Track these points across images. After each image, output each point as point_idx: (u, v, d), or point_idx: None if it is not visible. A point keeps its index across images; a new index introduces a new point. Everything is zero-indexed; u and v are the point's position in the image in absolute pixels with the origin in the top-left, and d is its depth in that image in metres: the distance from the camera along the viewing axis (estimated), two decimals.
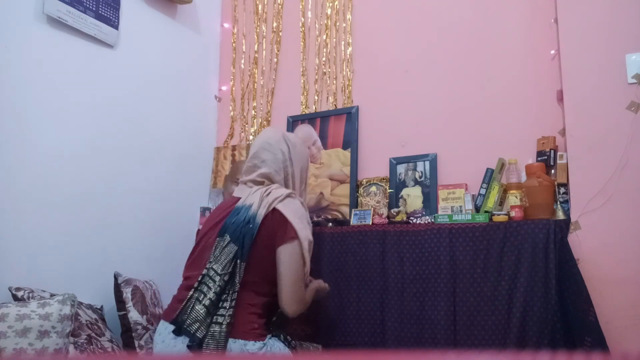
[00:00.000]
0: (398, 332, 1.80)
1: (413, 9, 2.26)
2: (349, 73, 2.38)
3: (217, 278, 1.43)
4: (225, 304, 1.42)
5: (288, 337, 1.55)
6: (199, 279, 1.45)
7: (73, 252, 1.85)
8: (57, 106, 1.84)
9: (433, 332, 1.74)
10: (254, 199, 1.52)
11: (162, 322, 1.52)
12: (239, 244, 1.44)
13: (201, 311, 1.40)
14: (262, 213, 1.48)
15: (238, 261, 1.44)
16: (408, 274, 1.82)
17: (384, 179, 2.17)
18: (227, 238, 1.47)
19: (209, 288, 1.42)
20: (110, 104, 2.06)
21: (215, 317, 1.40)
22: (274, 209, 1.50)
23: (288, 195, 1.55)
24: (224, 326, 1.38)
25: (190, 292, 1.44)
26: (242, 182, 1.68)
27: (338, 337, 1.88)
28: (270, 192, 1.53)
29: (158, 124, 2.28)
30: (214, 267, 1.44)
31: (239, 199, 1.59)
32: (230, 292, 1.43)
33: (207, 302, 1.41)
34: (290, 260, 1.47)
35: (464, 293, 1.73)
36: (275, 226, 1.49)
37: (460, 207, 1.92)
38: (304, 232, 1.50)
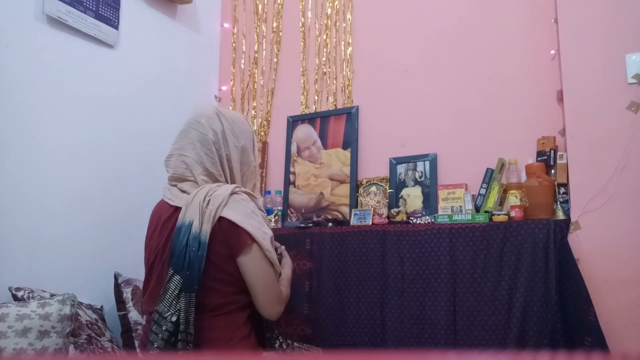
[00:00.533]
0: (398, 332, 1.80)
1: (413, 9, 2.26)
2: (349, 73, 2.38)
3: (163, 322, 1.22)
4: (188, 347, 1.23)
5: (283, 344, 1.47)
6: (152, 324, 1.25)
7: (73, 252, 1.85)
8: (57, 106, 1.84)
9: (433, 332, 1.74)
10: (193, 214, 1.27)
11: None
12: (184, 274, 1.23)
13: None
14: (207, 229, 1.26)
15: (184, 294, 1.23)
16: (408, 274, 1.82)
17: (384, 179, 2.17)
18: (170, 271, 1.26)
19: (156, 335, 1.22)
20: (110, 103, 2.06)
21: None
22: (220, 218, 1.28)
23: (231, 194, 1.32)
24: None
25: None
26: (171, 181, 1.43)
27: (338, 337, 1.88)
28: (209, 200, 1.29)
29: (158, 124, 2.28)
30: (159, 308, 1.23)
31: (172, 207, 1.38)
32: (186, 334, 1.23)
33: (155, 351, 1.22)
34: (256, 268, 1.29)
35: (464, 293, 1.73)
36: (227, 237, 1.28)
37: (460, 207, 1.92)
38: (259, 230, 1.31)
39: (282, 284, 1.42)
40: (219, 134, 1.39)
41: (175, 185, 1.41)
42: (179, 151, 1.40)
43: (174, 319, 1.22)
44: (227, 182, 1.41)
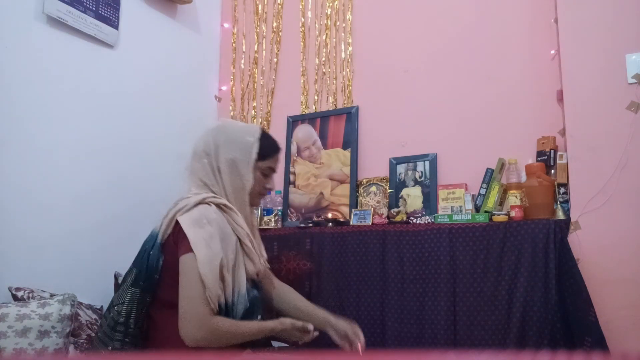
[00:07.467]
0: (398, 332, 1.80)
1: (413, 9, 2.26)
2: (349, 73, 2.38)
3: (111, 311, 1.26)
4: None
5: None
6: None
7: (73, 252, 1.85)
8: (56, 106, 1.84)
9: (433, 332, 1.74)
10: (162, 219, 1.30)
11: None
12: (139, 266, 1.27)
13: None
14: (163, 230, 1.27)
15: (132, 288, 1.26)
16: (408, 274, 1.82)
17: (384, 179, 2.17)
18: (131, 265, 1.30)
19: (100, 327, 1.29)
20: (110, 104, 2.05)
21: None
22: (176, 222, 1.26)
23: (200, 203, 1.28)
24: None
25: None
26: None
27: None
28: (177, 203, 1.30)
29: (158, 124, 2.28)
30: (113, 298, 1.29)
31: None
32: (125, 327, 1.24)
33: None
34: (182, 274, 1.21)
35: (464, 293, 1.73)
36: (176, 239, 1.25)
37: (460, 207, 1.92)
38: (203, 242, 1.21)
39: (239, 324, 1.24)
40: (211, 144, 1.37)
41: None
42: (185, 165, 1.42)
43: (121, 310, 1.24)
44: (221, 194, 1.36)
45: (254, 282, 1.36)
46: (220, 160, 1.36)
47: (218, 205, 1.30)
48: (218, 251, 1.22)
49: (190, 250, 1.20)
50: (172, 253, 1.25)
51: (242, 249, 1.31)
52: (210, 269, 1.19)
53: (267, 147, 1.42)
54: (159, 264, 1.25)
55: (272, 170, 1.45)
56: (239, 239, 1.30)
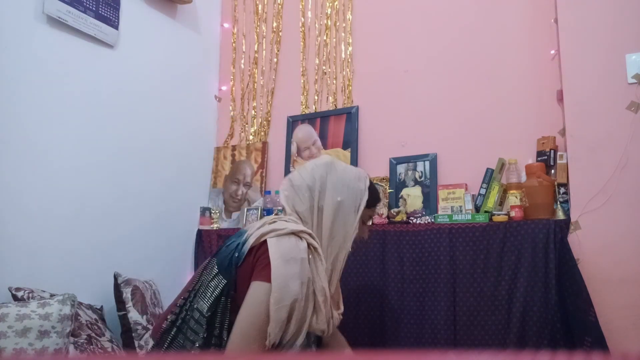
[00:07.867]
0: (398, 332, 1.80)
1: (413, 9, 2.26)
2: (349, 73, 2.38)
3: (204, 321, 1.15)
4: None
5: None
6: (181, 313, 1.20)
7: (73, 252, 1.85)
8: (56, 106, 1.84)
9: (433, 332, 1.74)
10: (255, 226, 1.25)
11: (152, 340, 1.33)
12: (227, 277, 1.18)
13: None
14: (250, 242, 1.19)
15: (223, 298, 1.17)
16: (408, 274, 1.83)
17: (384, 179, 2.17)
18: (215, 269, 1.21)
19: (196, 333, 1.15)
20: (110, 104, 2.06)
21: None
22: (264, 242, 1.19)
23: (294, 233, 1.20)
24: None
25: (169, 324, 1.20)
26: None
27: None
28: (274, 222, 1.24)
29: (158, 124, 2.28)
30: (198, 306, 1.17)
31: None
32: (220, 340, 1.16)
33: (196, 345, 1.15)
34: (249, 302, 1.14)
35: (464, 293, 1.73)
36: (256, 261, 1.18)
37: (460, 207, 1.92)
38: (283, 279, 1.13)
39: None
40: (317, 181, 1.30)
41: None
42: (282, 186, 1.36)
43: (209, 315, 1.17)
44: (314, 234, 1.28)
45: (317, 338, 1.27)
46: (326, 200, 1.29)
47: (309, 245, 1.23)
48: (294, 292, 1.14)
49: (268, 280, 1.13)
50: (249, 265, 1.18)
51: (314, 302, 1.21)
52: (280, 306, 1.13)
53: (374, 195, 1.38)
54: (240, 259, 1.19)
55: (371, 218, 1.42)
56: (314, 291, 1.21)
